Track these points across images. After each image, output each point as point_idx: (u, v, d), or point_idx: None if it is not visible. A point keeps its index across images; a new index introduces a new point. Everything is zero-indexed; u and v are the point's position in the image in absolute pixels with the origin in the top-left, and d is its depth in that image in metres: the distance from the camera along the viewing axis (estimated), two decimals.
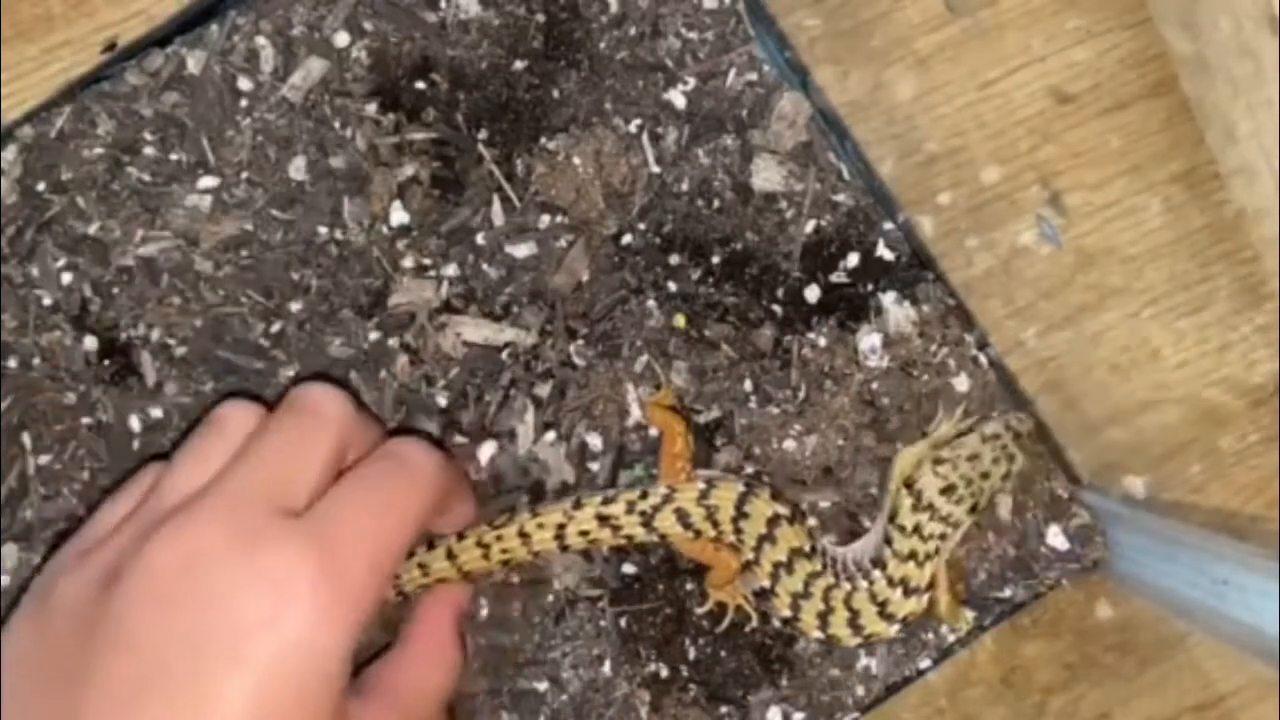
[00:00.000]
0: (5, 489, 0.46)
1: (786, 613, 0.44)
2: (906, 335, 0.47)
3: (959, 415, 0.46)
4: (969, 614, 0.46)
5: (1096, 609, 0.47)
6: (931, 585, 0.44)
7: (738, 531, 0.44)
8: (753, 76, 0.48)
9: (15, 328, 0.46)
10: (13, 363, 0.46)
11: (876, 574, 0.44)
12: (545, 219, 0.47)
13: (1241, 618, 0.41)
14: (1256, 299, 0.48)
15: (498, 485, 0.46)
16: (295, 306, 0.47)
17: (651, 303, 0.47)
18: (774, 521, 0.44)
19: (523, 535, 0.44)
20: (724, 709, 0.46)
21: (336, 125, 0.47)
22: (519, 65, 0.48)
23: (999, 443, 0.45)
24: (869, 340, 0.47)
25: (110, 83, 0.47)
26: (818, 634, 0.44)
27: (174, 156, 0.47)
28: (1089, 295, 0.48)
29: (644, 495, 0.44)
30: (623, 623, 0.46)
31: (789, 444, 0.46)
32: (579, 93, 0.48)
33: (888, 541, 0.44)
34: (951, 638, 0.47)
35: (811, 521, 0.46)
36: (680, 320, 0.47)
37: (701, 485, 0.44)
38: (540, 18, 0.48)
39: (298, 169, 0.47)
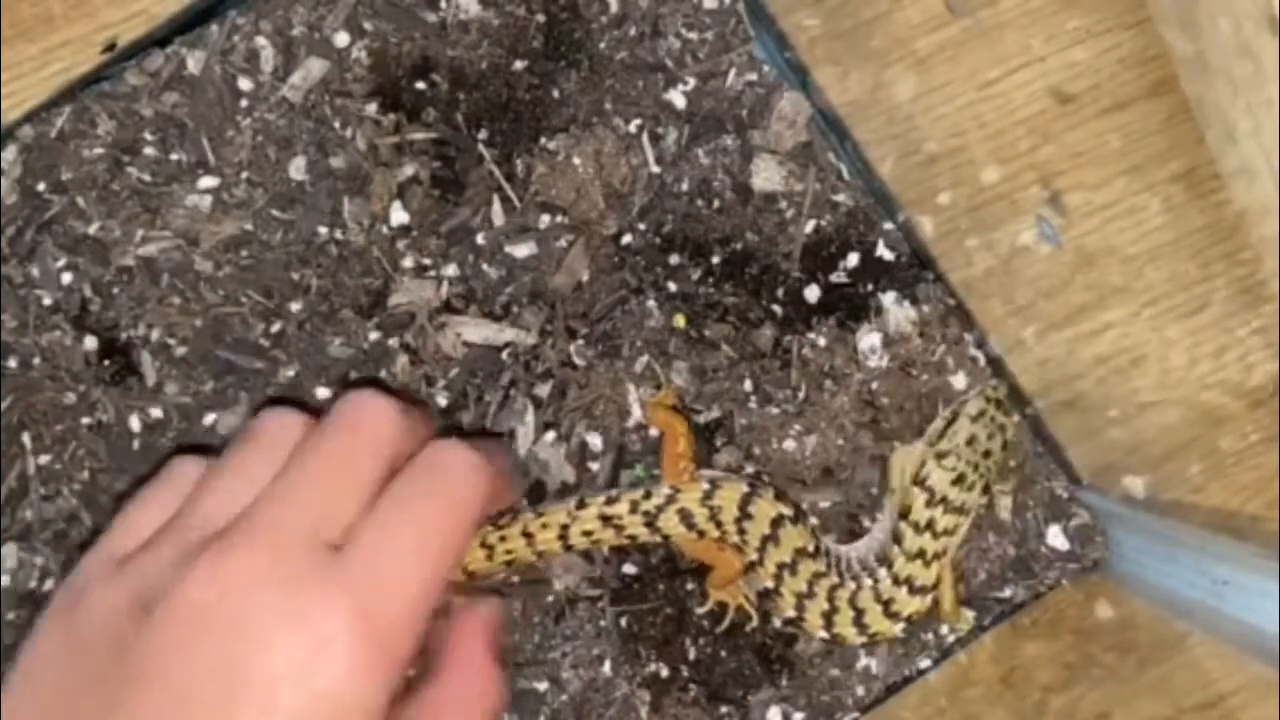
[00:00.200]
0: (5, 489, 0.46)
1: (791, 613, 0.44)
2: (906, 335, 0.47)
3: (948, 413, 0.46)
4: (969, 614, 0.46)
5: (1096, 609, 0.47)
6: (937, 584, 0.44)
7: (741, 532, 0.44)
8: (753, 76, 0.48)
9: (15, 328, 0.46)
10: (13, 363, 0.46)
11: (882, 573, 0.44)
12: (545, 219, 0.47)
13: (1241, 618, 0.41)
14: (1257, 299, 0.48)
15: None
16: (295, 306, 0.47)
17: (651, 303, 0.47)
18: (778, 522, 0.44)
19: (526, 535, 0.44)
20: (724, 709, 0.46)
21: (336, 125, 0.47)
22: (519, 65, 0.48)
23: (986, 417, 0.45)
24: (869, 340, 0.47)
25: (110, 83, 0.47)
26: (822, 634, 0.44)
27: (174, 156, 0.47)
28: (1089, 295, 0.48)
29: (647, 495, 0.44)
30: (623, 623, 0.46)
31: (789, 444, 0.46)
32: (579, 93, 0.48)
33: (897, 540, 0.44)
34: (951, 638, 0.47)
35: (813, 521, 0.46)
36: (680, 320, 0.47)
37: (705, 486, 0.44)
38: (540, 18, 0.48)
39: (298, 169, 0.47)
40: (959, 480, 0.44)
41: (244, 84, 0.47)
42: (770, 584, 0.44)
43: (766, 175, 0.47)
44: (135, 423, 0.46)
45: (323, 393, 0.46)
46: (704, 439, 0.46)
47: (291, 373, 0.46)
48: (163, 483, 0.39)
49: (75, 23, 0.47)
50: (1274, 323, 0.48)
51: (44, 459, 0.46)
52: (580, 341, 0.47)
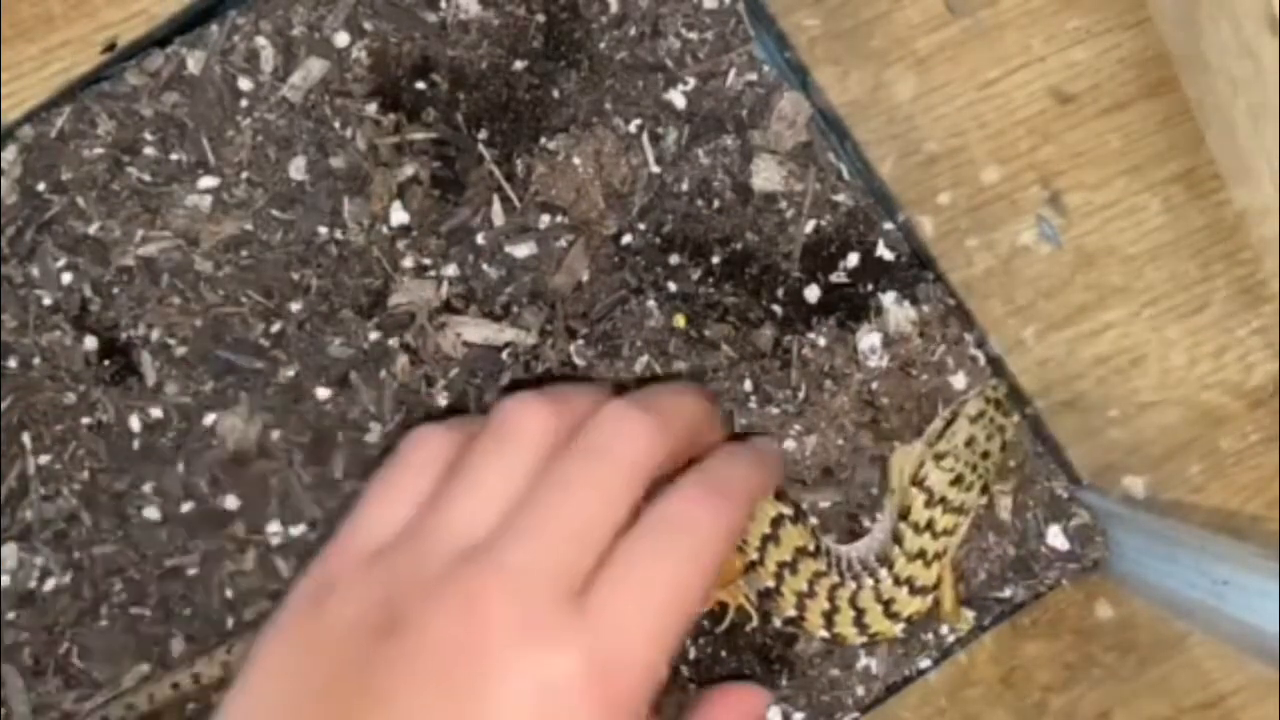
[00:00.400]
0: (5, 489, 0.46)
1: (791, 612, 0.44)
2: (906, 335, 0.47)
3: (948, 413, 0.46)
4: (969, 614, 0.46)
5: (1096, 609, 0.47)
6: (937, 585, 0.44)
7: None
8: (753, 76, 0.48)
9: (15, 328, 0.46)
10: (13, 363, 0.46)
11: (883, 573, 0.44)
12: (545, 219, 0.47)
13: (1241, 618, 0.41)
14: (1257, 299, 0.48)
15: None
16: (295, 306, 0.47)
17: (651, 303, 0.47)
18: (778, 521, 0.44)
19: None
20: None
21: (336, 125, 0.47)
22: (519, 65, 0.48)
23: (985, 418, 0.45)
24: (869, 340, 0.47)
25: (110, 83, 0.47)
26: (823, 633, 0.44)
27: (174, 156, 0.47)
28: (1089, 295, 0.48)
29: None
30: None
31: (789, 444, 0.46)
32: (579, 93, 0.48)
33: (898, 540, 0.44)
34: (951, 638, 0.47)
35: (813, 521, 0.46)
36: (680, 320, 0.47)
37: None
38: (540, 18, 0.48)
39: (298, 169, 0.47)
40: (957, 481, 0.44)
41: (244, 84, 0.47)
42: (771, 583, 0.44)
43: (766, 175, 0.47)
44: (135, 423, 0.46)
45: (323, 393, 0.46)
46: None
47: (291, 373, 0.46)
48: (409, 466, 0.38)
49: (75, 23, 0.47)
50: (1274, 323, 0.48)
51: (44, 459, 0.46)
52: (580, 341, 0.47)
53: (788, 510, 0.44)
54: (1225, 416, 0.48)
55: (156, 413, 0.46)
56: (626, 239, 0.47)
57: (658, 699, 0.35)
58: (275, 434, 0.46)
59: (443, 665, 0.33)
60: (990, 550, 0.47)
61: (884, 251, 0.47)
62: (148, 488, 0.46)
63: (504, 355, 0.47)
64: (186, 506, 0.46)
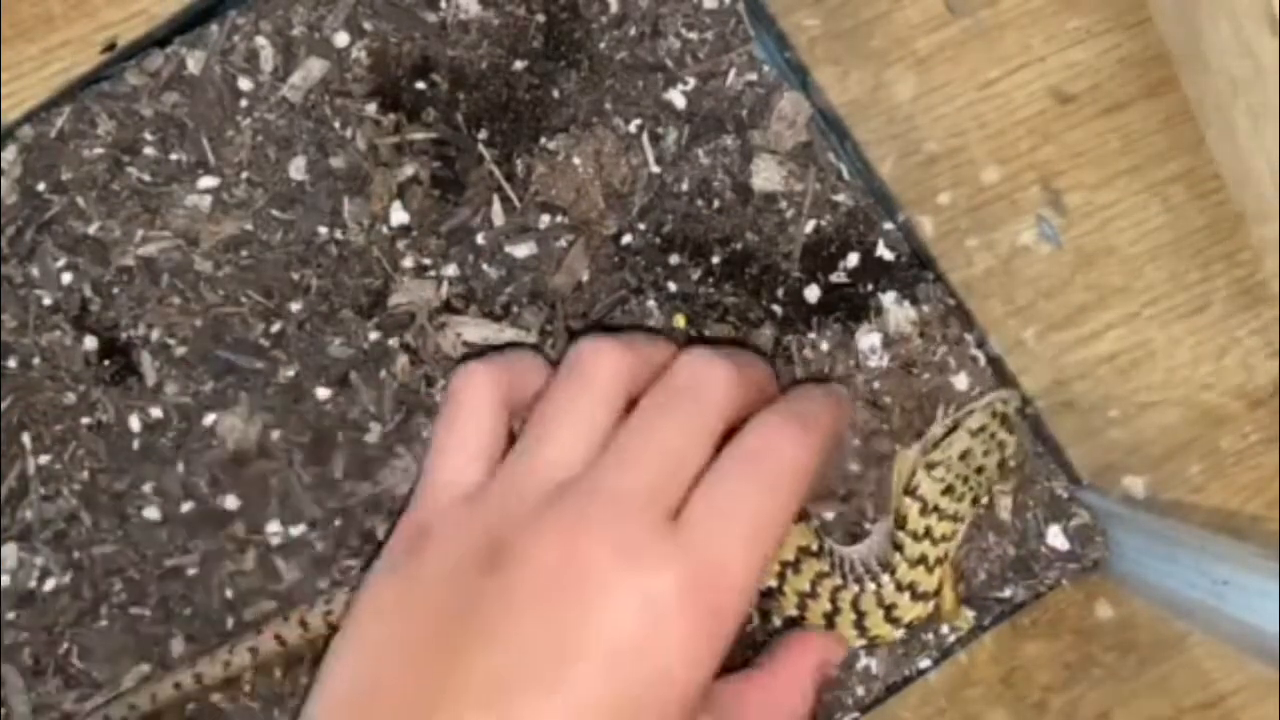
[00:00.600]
0: (5, 489, 0.46)
1: (792, 612, 0.44)
2: (906, 335, 0.47)
3: (950, 413, 0.46)
4: (969, 614, 0.46)
5: (1096, 609, 0.47)
6: (939, 590, 0.44)
7: None
8: (753, 76, 0.48)
9: (15, 328, 0.46)
10: (13, 363, 0.46)
11: (885, 578, 0.44)
12: (545, 219, 0.47)
13: (1241, 618, 0.41)
14: (1256, 299, 0.48)
15: None
16: (295, 306, 0.47)
17: (651, 303, 0.47)
18: None
19: None
20: None
21: (336, 125, 0.47)
22: (519, 65, 0.48)
23: (986, 433, 0.45)
24: (869, 340, 0.47)
25: (110, 83, 0.47)
26: None
27: (174, 156, 0.47)
28: (1089, 295, 0.48)
29: None
30: None
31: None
32: (579, 93, 0.48)
33: (898, 547, 0.44)
34: (951, 638, 0.47)
35: (815, 521, 0.46)
36: (680, 320, 0.47)
37: None
38: (540, 18, 0.48)
39: (298, 169, 0.47)
40: (948, 491, 0.44)
41: (244, 84, 0.47)
42: (773, 582, 0.44)
43: (766, 175, 0.47)
44: (135, 423, 0.46)
45: (323, 393, 0.46)
46: None
47: (291, 373, 0.46)
48: (474, 409, 0.39)
49: (75, 23, 0.47)
50: (1274, 323, 0.48)
51: (44, 459, 0.46)
52: None
53: None
54: (1225, 416, 0.48)
55: (156, 413, 0.46)
56: (626, 239, 0.47)
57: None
58: (275, 434, 0.46)
59: (546, 592, 0.34)
60: (990, 550, 0.47)
61: (884, 251, 0.47)
62: (148, 488, 0.46)
63: None
64: (186, 506, 0.46)
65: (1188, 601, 0.43)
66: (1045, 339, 0.48)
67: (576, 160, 0.47)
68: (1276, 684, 0.41)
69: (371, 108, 0.47)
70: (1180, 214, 0.48)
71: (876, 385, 0.47)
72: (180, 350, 0.46)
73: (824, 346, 0.47)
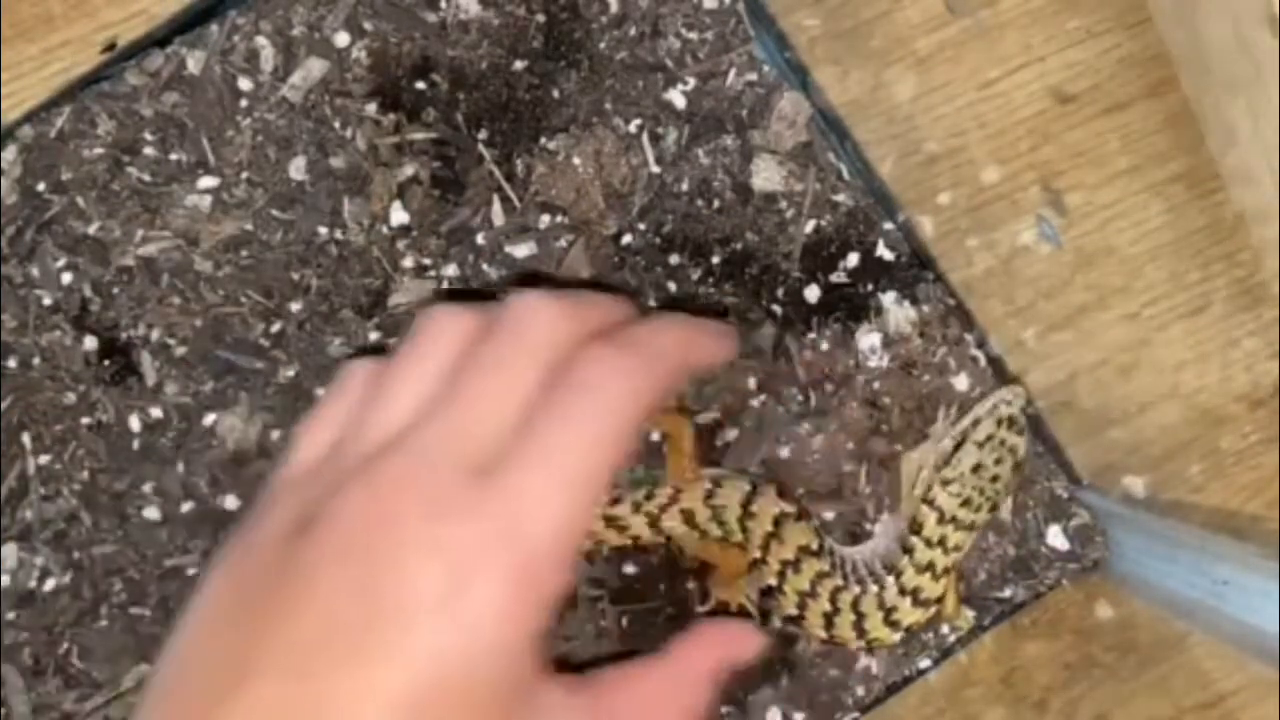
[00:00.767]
0: (5, 489, 0.46)
1: (792, 611, 0.44)
2: (906, 335, 0.47)
3: (953, 415, 0.46)
4: (969, 614, 0.46)
5: (1096, 609, 0.47)
6: (941, 598, 0.44)
7: (744, 531, 0.44)
8: (753, 76, 0.48)
9: (15, 328, 0.46)
10: (13, 363, 0.46)
11: (889, 580, 0.44)
12: (545, 219, 0.47)
13: (1241, 618, 0.41)
14: (1256, 300, 0.48)
15: None
16: (295, 306, 0.47)
17: (651, 303, 0.47)
18: (781, 520, 0.44)
19: None
20: (724, 709, 0.46)
21: (336, 125, 0.47)
22: (519, 65, 0.48)
23: (994, 441, 0.45)
24: (869, 340, 0.47)
25: (110, 83, 0.47)
26: (821, 634, 0.44)
27: (174, 156, 0.47)
28: (1089, 295, 0.48)
29: (649, 495, 0.44)
30: (624, 622, 0.46)
31: (790, 444, 0.46)
32: (579, 93, 0.48)
33: (907, 550, 0.44)
34: (952, 638, 0.47)
35: (815, 521, 0.46)
36: None
37: (707, 485, 0.44)
38: (540, 18, 0.48)
39: (298, 169, 0.47)
40: (966, 503, 0.44)
41: (244, 84, 0.47)
42: (773, 581, 0.44)
43: (766, 175, 0.47)
44: (135, 423, 0.46)
45: (322, 393, 0.46)
46: (705, 439, 0.46)
47: (291, 373, 0.46)
48: (334, 395, 0.38)
49: (75, 23, 0.47)
50: (1274, 323, 0.48)
51: (44, 459, 0.46)
52: None
53: (790, 509, 0.44)
54: (1225, 416, 0.48)
55: (156, 413, 0.46)
56: (626, 239, 0.47)
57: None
58: (275, 434, 0.46)
59: (352, 548, 0.33)
60: (990, 550, 0.47)
61: (884, 251, 0.47)
62: (148, 488, 0.46)
63: None
64: (186, 506, 0.46)
65: (1188, 601, 0.43)
66: (1045, 339, 0.48)
67: (576, 160, 0.47)
68: (1276, 684, 0.41)
69: (371, 108, 0.47)
70: (1180, 214, 0.48)
71: (876, 385, 0.47)
72: (180, 350, 0.46)
73: (824, 346, 0.47)
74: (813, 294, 0.47)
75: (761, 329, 0.47)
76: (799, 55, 0.48)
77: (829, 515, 0.46)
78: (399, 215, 0.47)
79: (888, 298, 0.47)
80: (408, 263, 0.47)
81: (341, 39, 0.47)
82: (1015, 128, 0.48)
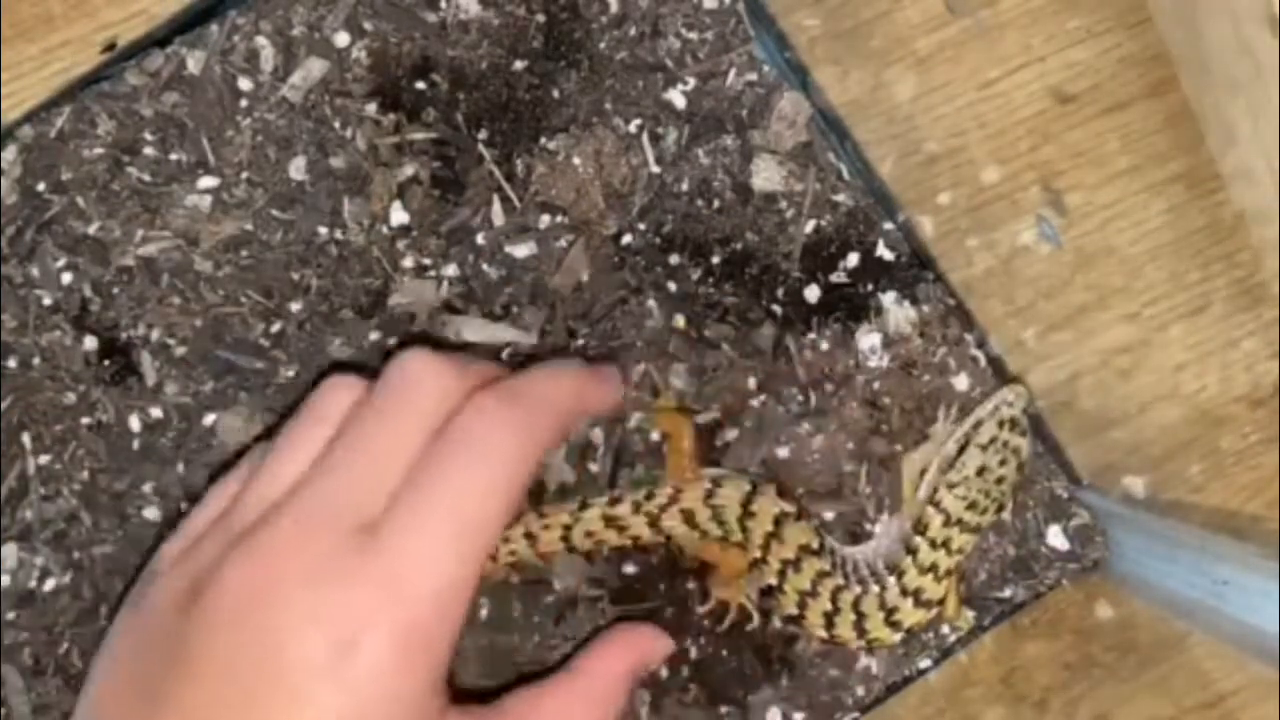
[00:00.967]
0: (5, 489, 0.46)
1: (792, 610, 0.44)
2: (906, 335, 0.47)
3: (953, 415, 0.46)
4: (969, 614, 0.46)
5: (1096, 609, 0.47)
6: (942, 600, 0.44)
7: (744, 530, 0.44)
8: (753, 76, 0.48)
9: (15, 328, 0.46)
10: (13, 363, 0.46)
11: (891, 580, 0.44)
12: (545, 219, 0.47)
13: (1241, 618, 0.41)
14: (1256, 300, 0.48)
15: None
16: (295, 306, 0.47)
17: (651, 303, 0.47)
18: (781, 519, 0.44)
19: (529, 536, 0.44)
20: (724, 709, 0.46)
21: (336, 125, 0.47)
22: (519, 65, 0.48)
23: (998, 443, 0.45)
24: (869, 340, 0.47)
25: (110, 83, 0.47)
26: (821, 634, 0.44)
27: (174, 156, 0.47)
28: (1089, 295, 0.48)
29: (650, 496, 0.44)
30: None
31: (791, 444, 0.46)
32: (579, 93, 0.48)
33: (911, 551, 0.44)
34: (952, 638, 0.47)
35: (816, 521, 0.46)
36: (680, 321, 0.47)
37: (707, 485, 0.44)
38: (540, 18, 0.48)
39: (298, 169, 0.47)
40: (972, 506, 0.44)
41: (244, 84, 0.47)
42: (774, 580, 0.44)
43: (766, 175, 0.47)
44: (135, 423, 0.46)
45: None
46: (705, 439, 0.46)
47: (291, 373, 0.46)
48: (232, 473, 0.39)
49: (75, 23, 0.47)
50: (1274, 323, 0.48)
51: (44, 459, 0.46)
52: (580, 341, 0.47)
53: (790, 509, 0.44)
54: (1225, 416, 0.48)
55: (156, 413, 0.46)
56: (626, 239, 0.47)
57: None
58: None
59: (238, 617, 0.33)
60: (990, 550, 0.47)
61: (884, 251, 0.47)
62: (148, 488, 0.46)
63: (504, 355, 0.47)
64: (186, 506, 0.46)
65: (1188, 601, 0.43)
66: (1045, 339, 0.48)
67: (576, 160, 0.47)
68: (1276, 684, 0.41)
69: (371, 108, 0.47)
70: (1180, 214, 0.48)
71: (876, 385, 0.47)
72: (180, 350, 0.46)
73: (824, 346, 0.47)
74: (813, 294, 0.47)
75: (761, 329, 0.47)
76: (799, 55, 0.48)
77: (829, 515, 0.46)
78: (399, 215, 0.47)
79: (888, 298, 0.47)
80: (408, 263, 0.47)
81: (341, 39, 0.47)
82: (1015, 128, 0.48)
